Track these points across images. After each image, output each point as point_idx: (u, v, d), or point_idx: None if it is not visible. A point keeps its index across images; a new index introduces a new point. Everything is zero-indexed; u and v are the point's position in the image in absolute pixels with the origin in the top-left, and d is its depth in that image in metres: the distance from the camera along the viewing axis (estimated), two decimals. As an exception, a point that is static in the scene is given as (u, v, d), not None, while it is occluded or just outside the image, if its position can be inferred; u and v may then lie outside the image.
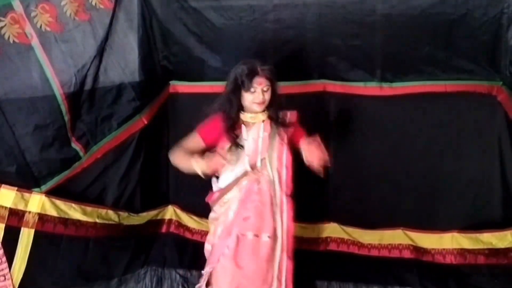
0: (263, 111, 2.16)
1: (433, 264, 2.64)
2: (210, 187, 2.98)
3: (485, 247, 2.55)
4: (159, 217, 2.95)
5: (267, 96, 2.14)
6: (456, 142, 2.70)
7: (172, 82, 3.00)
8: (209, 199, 2.30)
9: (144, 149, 2.82)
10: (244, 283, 2.07)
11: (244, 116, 2.18)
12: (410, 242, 2.70)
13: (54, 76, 2.32)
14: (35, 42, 2.28)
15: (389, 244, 2.73)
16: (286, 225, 2.14)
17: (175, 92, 3.02)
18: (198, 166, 2.07)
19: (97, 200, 2.63)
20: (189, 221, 2.96)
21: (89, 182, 2.61)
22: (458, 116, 2.70)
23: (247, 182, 2.14)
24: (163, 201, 3.03)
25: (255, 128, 2.18)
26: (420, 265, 2.65)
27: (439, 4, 2.50)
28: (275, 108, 2.19)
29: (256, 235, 2.08)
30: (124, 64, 2.65)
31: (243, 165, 2.15)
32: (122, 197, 2.73)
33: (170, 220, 2.96)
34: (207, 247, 2.28)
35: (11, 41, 2.23)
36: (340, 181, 2.82)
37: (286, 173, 2.18)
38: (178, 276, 2.78)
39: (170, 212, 2.97)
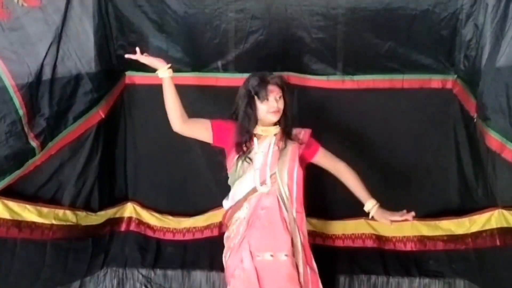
0: (275, 124, 2.12)
1: (394, 251, 2.73)
2: (171, 183, 2.94)
3: (444, 233, 2.66)
4: (117, 215, 2.81)
5: (281, 104, 2.09)
6: (415, 134, 2.79)
7: (128, 73, 2.84)
8: (223, 218, 2.24)
9: (102, 144, 2.67)
10: None
11: (256, 129, 2.11)
12: (373, 231, 2.76)
13: (3, 66, 2.12)
14: (-21, 30, 2.07)
15: (352, 234, 2.78)
16: (302, 240, 2.08)
17: (131, 84, 2.87)
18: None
19: (53, 200, 2.46)
20: (150, 218, 2.84)
21: (43, 180, 2.43)
22: (416, 109, 2.79)
23: (255, 199, 2.07)
24: (121, 198, 2.88)
25: (266, 142, 2.12)
26: (383, 253, 2.73)
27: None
28: (287, 121, 2.15)
29: (272, 255, 2.01)
30: (80, 53, 2.47)
31: (252, 180, 2.08)
32: (79, 195, 2.57)
33: (129, 218, 2.83)
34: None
35: (-50, 30, 2.01)
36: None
37: (297, 190, 2.11)
38: (140, 276, 2.68)
39: (130, 210, 2.83)
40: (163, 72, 2.21)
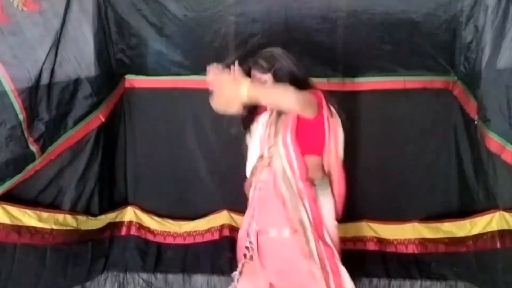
0: None
1: (396, 254, 2.72)
2: (172, 187, 2.93)
3: (445, 236, 2.66)
4: (118, 220, 2.79)
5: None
6: (415, 136, 2.80)
7: (128, 77, 2.85)
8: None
9: (102, 148, 2.66)
10: (274, 282, 1.91)
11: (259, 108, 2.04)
12: (374, 234, 2.76)
13: (3, 71, 2.10)
14: (-21, 34, 2.05)
15: (354, 237, 2.77)
16: (311, 213, 1.88)
17: (131, 87, 2.88)
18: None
19: (53, 205, 2.45)
20: (151, 222, 2.83)
21: (43, 185, 2.42)
22: (417, 111, 2.80)
23: (258, 174, 1.98)
24: (122, 202, 2.88)
25: (266, 113, 2.01)
26: (384, 256, 2.72)
27: (403, 2, 2.54)
28: None
29: (276, 232, 1.90)
30: (80, 57, 2.44)
31: (255, 154, 2.02)
32: (79, 200, 2.55)
33: (130, 222, 2.81)
34: None
35: (-49, 33, 2.00)
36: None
37: (296, 158, 1.90)
38: (141, 280, 2.64)
39: (130, 214, 2.82)
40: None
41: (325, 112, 1.92)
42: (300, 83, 1.92)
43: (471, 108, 2.56)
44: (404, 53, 2.68)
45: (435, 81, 2.75)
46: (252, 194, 2.02)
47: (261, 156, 1.98)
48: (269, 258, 1.91)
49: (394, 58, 2.70)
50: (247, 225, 2.00)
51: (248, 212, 2.03)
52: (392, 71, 2.74)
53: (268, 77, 1.96)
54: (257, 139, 2.02)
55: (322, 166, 2.01)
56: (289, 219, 1.88)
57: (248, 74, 1.96)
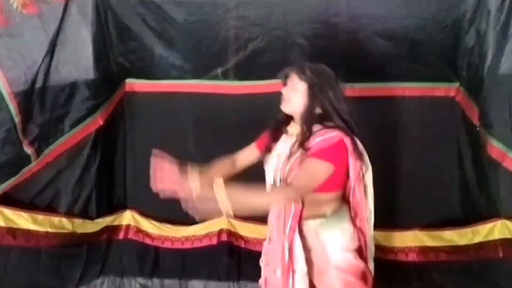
0: (301, 124, 1.77)
1: (396, 262, 2.67)
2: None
3: (447, 244, 2.60)
4: (116, 223, 2.78)
5: (293, 95, 1.77)
6: (416, 143, 2.75)
7: (128, 80, 2.85)
8: None
9: (100, 151, 2.66)
10: None
11: (289, 126, 1.86)
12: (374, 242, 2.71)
13: (0, 73, 2.12)
14: (-23, 37, 2.07)
15: (353, 244, 2.73)
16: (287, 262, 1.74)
17: (131, 91, 2.87)
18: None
19: (49, 208, 2.46)
20: (149, 226, 2.81)
21: (39, 188, 2.43)
22: (418, 117, 2.74)
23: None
24: (120, 206, 2.87)
25: (287, 143, 1.81)
26: (384, 263, 2.66)
27: (404, 7, 2.52)
28: (305, 121, 1.76)
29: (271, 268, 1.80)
30: (77, 61, 2.48)
31: (268, 182, 1.85)
32: (76, 203, 2.57)
33: (128, 226, 2.79)
34: None
35: (-50, 34, 2.02)
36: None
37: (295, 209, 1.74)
38: (138, 285, 2.63)
39: (128, 218, 2.80)
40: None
41: (351, 160, 1.76)
42: (329, 116, 1.76)
43: (474, 114, 2.52)
44: (405, 59, 2.64)
45: (437, 88, 2.70)
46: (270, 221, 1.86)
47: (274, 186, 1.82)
48: None
49: (395, 64, 2.66)
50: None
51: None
52: (393, 77, 2.70)
53: (301, 85, 1.78)
54: (271, 164, 1.84)
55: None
56: (280, 259, 1.75)
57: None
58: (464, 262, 2.54)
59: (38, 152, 2.29)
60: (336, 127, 1.75)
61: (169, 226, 2.85)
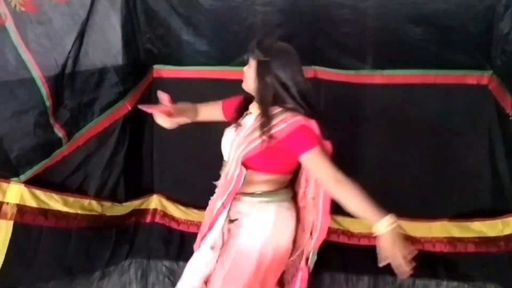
0: (259, 103, 1.78)
1: (423, 252, 2.62)
2: (197, 176, 2.94)
3: (476, 235, 2.54)
4: (143, 207, 2.83)
5: (247, 73, 1.78)
6: (446, 132, 2.67)
7: (156, 66, 2.86)
8: None
9: (128, 136, 2.70)
10: None
11: (251, 105, 1.88)
12: (400, 231, 2.67)
13: (32, 59, 2.18)
14: (9, 23, 2.13)
15: (379, 233, 2.70)
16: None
17: (159, 77, 2.89)
18: None
19: (79, 190, 2.51)
20: (175, 211, 2.84)
21: (70, 171, 2.49)
22: (449, 106, 2.66)
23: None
24: (147, 190, 2.91)
25: (246, 120, 1.87)
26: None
27: (436, -8, 2.45)
28: (261, 99, 1.77)
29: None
30: (107, 46, 2.50)
31: (224, 153, 1.95)
32: (105, 186, 2.62)
33: (155, 210, 2.84)
34: None
35: (-17, 23, 2.08)
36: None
37: (235, 182, 1.78)
38: (164, 268, 2.69)
39: (155, 202, 2.85)
40: None
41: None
42: (281, 96, 1.73)
43: (507, 103, 2.44)
44: (436, 45, 2.57)
45: (469, 75, 2.61)
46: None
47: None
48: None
49: (426, 51, 2.58)
50: None
51: None
52: (424, 64, 2.62)
53: (254, 63, 1.77)
54: (226, 138, 1.92)
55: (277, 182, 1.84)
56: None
57: None
58: (493, 254, 2.49)
59: (69, 136, 2.35)
60: (295, 109, 1.71)
61: (195, 211, 2.87)
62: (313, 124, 1.71)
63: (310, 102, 1.76)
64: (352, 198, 1.67)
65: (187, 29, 2.72)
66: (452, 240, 2.60)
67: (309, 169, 1.77)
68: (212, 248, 1.84)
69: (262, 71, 1.75)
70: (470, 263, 2.55)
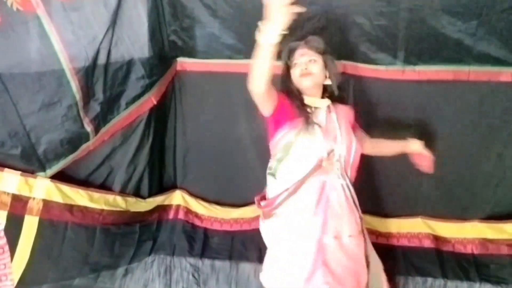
0: (324, 95, 2.04)
1: (453, 253, 2.57)
2: (220, 172, 2.89)
3: (510, 237, 2.49)
4: (166, 203, 2.78)
5: (315, 69, 1.97)
6: (480, 130, 2.60)
7: (180, 59, 2.79)
8: (265, 205, 2.05)
9: (153, 130, 2.64)
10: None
11: (306, 100, 1.99)
12: (430, 231, 2.62)
13: (63, 49, 2.09)
14: (41, 10, 2.03)
15: (408, 232, 2.64)
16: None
17: (183, 70, 2.82)
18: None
19: (104, 185, 2.46)
20: (198, 207, 2.80)
21: (95, 166, 2.44)
22: (482, 103, 2.59)
23: (315, 178, 1.88)
24: (170, 186, 2.86)
25: (322, 115, 2.00)
26: (441, 254, 2.57)
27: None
28: (333, 91, 2.06)
29: (336, 237, 1.88)
30: (134, 37, 2.40)
31: (315, 154, 1.90)
32: (130, 181, 2.56)
33: (178, 206, 2.79)
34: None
35: (15, 9, 1.98)
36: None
37: (353, 163, 2.01)
38: (188, 265, 2.62)
39: (178, 198, 2.80)
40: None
41: None
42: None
43: (544, 102, 2.37)
44: (472, 40, 2.48)
45: (504, 72, 2.53)
46: (323, 194, 1.90)
47: (331, 152, 1.93)
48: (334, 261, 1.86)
49: (461, 46, 2.49)
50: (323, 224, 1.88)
51: (324, 212, 1.90)
52: (457, 60, 2.54)
53: (321, 58, 2.02)
54: (318, 137, 1.92)
55: None
56: (351, 225, 1.94)
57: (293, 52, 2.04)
58: (528, 257, 2.43)
59: (97, 130, 2.28)
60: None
61: (218, 207, 2.83)
62: None
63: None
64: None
65: (214, 21, 2.62)
66: (484, 242, 2.55)
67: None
68: None
69: (331, 64, 2.04)
70: (503, 265, 2.49)
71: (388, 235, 2.66)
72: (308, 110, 1.98)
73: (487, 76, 2.56)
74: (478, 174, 2.63)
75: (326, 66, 2.03)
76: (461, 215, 2.62)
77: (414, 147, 2.10)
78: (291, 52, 2.01)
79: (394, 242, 2.63)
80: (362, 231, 2.03)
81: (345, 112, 2.13)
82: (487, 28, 2.45)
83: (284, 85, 2.04)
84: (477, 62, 2.54)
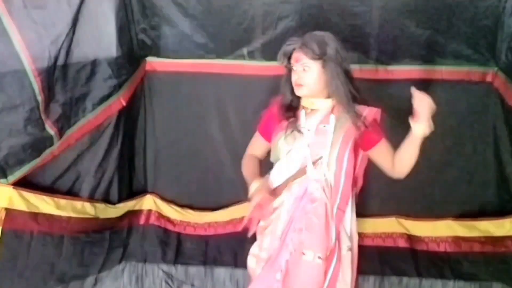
0: (329, 97, 1.81)
1: (427, 252, 2.59)
2: (193, 175, 2.80)
3: (482, 235, 2.52)
4: (137, 208, 2.68)
5: (308, 78, 1.75)
6: (451, 129, 2.63)
7: (149, 59, 2.70)
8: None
9: (122, 133, 2.54)
10: None
11: (303, 101, 1.85)
12: (404, 231, 2.62)
13: (24, 48, 1.95)
14: (1, 8, 1.89)
15: (383, 233, 2.64)
16: (338, 243, 1.75)
17: (152, 70, 2.73)
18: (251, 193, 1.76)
19: (71, 192, 2.34)
20: (170, 211, 2.71)
21: (61, 171, 2.31)
22: (453, 102, 2.62)
23: (298, 185, 1.76)
24: (141, 190, 2.77)
25: (316, 118, 1.82)
26: (415, 254, 2.59)
27: (445, -16, 2.39)
28: (339, 94, 1.77)
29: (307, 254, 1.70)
30: (99, 36, 2.30)
31: (299, 159, 1.79)
32: (98, 187, 2.45)
33: (149, 211, 2.69)
34: (250, 262, 1.87)
35: (-28, 6, 1.85)
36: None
37: (344, 182, 1.78)
38: (161, 272, 2.55)
39: (149, 202, 2.70)
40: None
41: None
42: (351, 82, 1.81)
43: (514, 102, 2.41)
44: (442, 40, 2.51)
45: (474, 71, 2.58)
46: (294, 205, 1.77)
47: (319, 159, 1.77)
48: (294, 279, 1.69)
49: (432, 45, 2.53)
50: (283, 234, 1.75)
51: (284, 223, 1.77)
52: (428, 59, 2.57)
53: (314, 65, 1.75)
54: (305, 142, 1.80)
55: None
56: (322, 244, 1.70)
57: (289, 55, 1.82)
58: (500, 254, 2.47)
59: (61, 133, 2.15)
60: (355, 98, 1.83)
61: (191, 211, 2.75)
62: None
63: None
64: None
65: (184, 19, 2.56)
66: (457, 240, 2.58)
67: (380, 160, 1.89)
68: None
69: (331, 68, 1.75)
70: (476, 262, 2.52)
71: (363, 236, 2.64)
72: (303, 112, 1.84)
73: (459, 76, 2.60)
74: (450, 172, 2.66)
75: (326, 71, 1.76)
76: (434, 214, 2.64)
77: (419, 132, 1.79)
78: (286, 56, 1.81)
79: (369, 242, 2.62)
80: (340, 260, 1.76)
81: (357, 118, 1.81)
82: (458, 28, 2.49)
83: (286, 86, 1.89)
84: (450, 62, 2.58)
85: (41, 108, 2.04)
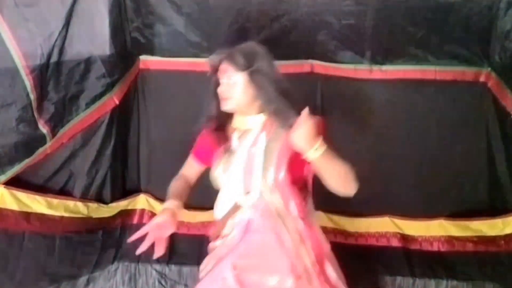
0: (261, 112, 1.69)
1: (421, 252, 2.59)
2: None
3: (474, 234, 2.53)
4: (130, 208, 2.66)
5: (233, 91, 1.65)
6: (445, 129, 2.64)
7: (142, 57, 2.68)
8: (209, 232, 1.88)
9: (115, 132, 2.52)
10: None
11: (235, 122, 1.75)
12: (398, 230, 2.63)
13: (16, 45, 1.94)
14: (-9, 6, 1.89)
15: (377, 232, 2.64)
16: (313, 256, 1.60)
17: (146, 69, 2.71)
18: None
19: (63, 191, 2.33)
20: (164, 211, 2.69)
21: (53, 170, 2.30)
22: (447, 102, 2.62)
23: (240, 218, 1.65)
24: (134, 189, 2.74)
25: (249, 140, 1.69)
26: (408, 253, 2.59)
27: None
28: (270, 108, 1.64)
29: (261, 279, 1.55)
30: (93, 34, 2.28)
31: (231, 192, 1.69)
32: (91, 186, 2.44)
33: (142, 211, 2.67)
34: None
35: (-38, 4, 1.83)
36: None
37: (292, 194, 1.64)
38: (154, 271, 2.52)
39: (142, 202, 2.68)
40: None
41: None
42: (284, 94, 1.63)
43: (507, 101, 2.42)
44: (436, 41, 2.52)
45: (468, 72, 2.58)
46: (237, 236, 1.66)
47: (245, 193, 1.66)
48: None
49: (426, 46, 2.54)
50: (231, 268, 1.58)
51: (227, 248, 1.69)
52: (423, 60, 2.57)
53: (239, 77, 1.65)
54: (235, 170, 1.68)
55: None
56: (293, 267, 1.56)
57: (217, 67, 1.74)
58: (492, 253, 2.48)
59: (54, 132, 2.14)
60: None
61: (184, 211, 2.69)
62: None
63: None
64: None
65: (179, 18, 2.55)
66: (450, 239, 2.58)
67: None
68: None
69: (259, 80, 1.64)
70: (468, 262, 2.53)
71: (357, 235, 2.65)
72: (236, 134, 1.73)
73: (453, 76, 2.60)
74: (443, 172, 2.66)
75: (253, 83, 1.65)
76: (428, 214, 2.64)
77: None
78: (214, 68, 1.73)
79: (363, 242, 2.63)
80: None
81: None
82: (452, 29, 2.50)
83: (209, 95, 1.82)
84: (444, 62, 2.58)
85: (34, 106, 2.03)
